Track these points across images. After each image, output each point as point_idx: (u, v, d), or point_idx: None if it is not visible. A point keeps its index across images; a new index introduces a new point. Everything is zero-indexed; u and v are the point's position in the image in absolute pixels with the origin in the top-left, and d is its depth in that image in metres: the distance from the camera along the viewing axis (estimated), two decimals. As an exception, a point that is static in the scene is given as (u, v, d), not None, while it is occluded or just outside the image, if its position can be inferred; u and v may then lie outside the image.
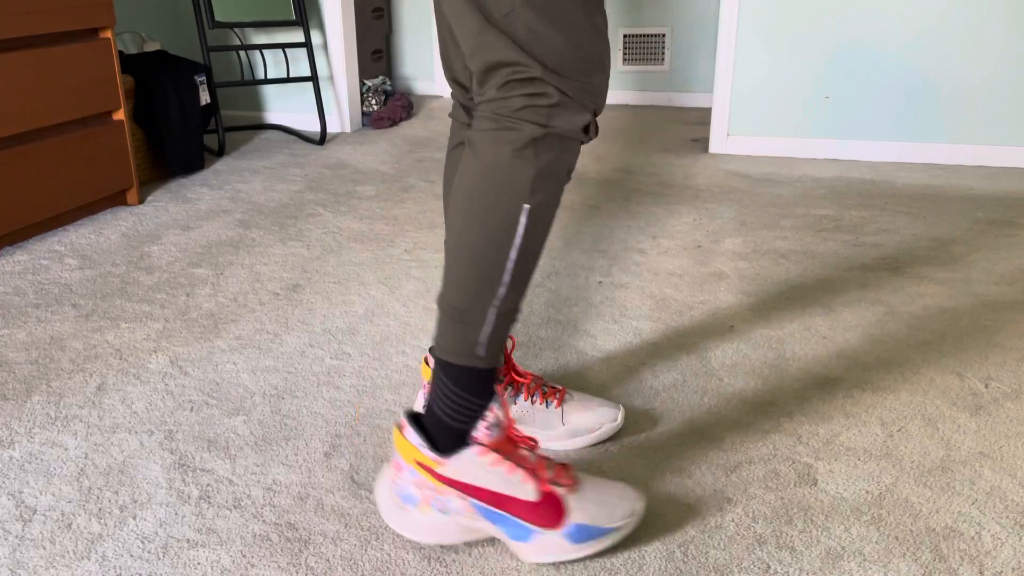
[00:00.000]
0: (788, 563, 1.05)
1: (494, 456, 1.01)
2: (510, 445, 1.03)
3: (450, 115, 1.26)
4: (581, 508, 1.04)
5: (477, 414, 1.01)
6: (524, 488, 1.02)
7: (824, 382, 1.48)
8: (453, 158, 1.24)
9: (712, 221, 2.36)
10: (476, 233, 0.97)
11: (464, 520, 1.03)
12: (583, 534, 1.03)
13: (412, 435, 1.02)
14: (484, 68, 0.95)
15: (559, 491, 1.03)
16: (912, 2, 2.85)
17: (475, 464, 1.01)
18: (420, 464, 1.02)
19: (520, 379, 1.29)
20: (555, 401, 1.28)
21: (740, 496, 1.17)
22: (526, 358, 1.58)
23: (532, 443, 1.08)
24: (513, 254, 0.97)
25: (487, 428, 1.01)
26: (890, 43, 2.91)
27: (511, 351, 1.31)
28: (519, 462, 1.03)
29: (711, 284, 1.91)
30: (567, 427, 1.28)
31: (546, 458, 1.06)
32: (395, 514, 1.05)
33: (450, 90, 1.29)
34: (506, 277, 0.97)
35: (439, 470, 1.02)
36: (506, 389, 1.28)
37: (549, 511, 1.03)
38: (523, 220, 0.96)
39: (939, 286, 1.89)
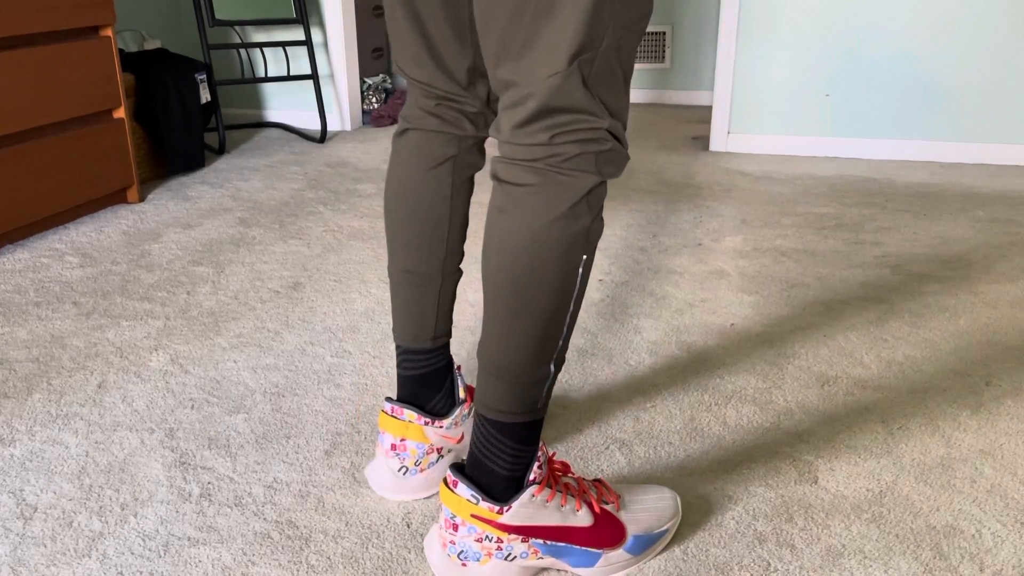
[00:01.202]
0: (788, 561, 1.05)
1: (548, 492, 0.99)
2: (555, 476, 1.02)
3: (412, 126, 1.07)
4: (634, 520, 1.04)
5: (533, 460, 0.99)
6: (580, 516, 1.01)
7: (824, 380, 1.48)
8: (432, 179, 1.07)
9: (713, 219, 2.36)
10: (535, 298, 0.89)
11: (529, 562, 1.01)
12: (642, 544, 1.04)
13: (467, 491, 0.98)
14: (541, 111, 0.83)
15: (609, 509, 1.03)
16: (913, 0, 2.85)
17: (534, 505, 0.98)
18: (478, 518, 0.99)
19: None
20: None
21: (740, 494, 1.17)
22: (527, 356, 1.58)
23: (567, 467, 1.06)
24: (572, 307, 0.91)
25: (538, 467, 0.99)
26: (891, 41, 2.91)
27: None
28: (568, 491, 1.02)
29: (712, 282, 1.91)
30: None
31: (583, 479, 1.05)
32: (457, 574, 1.01)
33: (416, 92, 1.06)
34: (565, 330, 0.93)
35: (501, 520, 0.98)
36: (469, 410, 1.19)
37: (608, 531, 1.02)
38: (581, 271, 0.89)
39: (940, 284, 1.89)
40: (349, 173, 2.90)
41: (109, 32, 2.38)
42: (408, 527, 1.11)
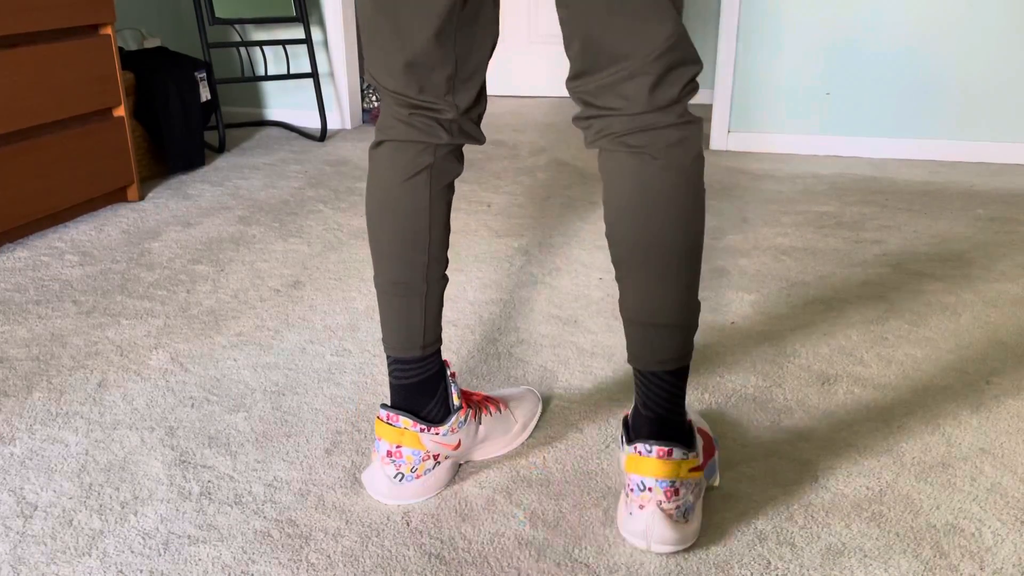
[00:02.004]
0: (788, 559, 1.05)
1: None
2: None
3: (387, 138, 1.07)
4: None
5: None
6: (700, 435, 1.14)
7: (825, 378, 1.48)
8: (410, 190, 1.07)
9: (713, 218, 2.36)
10: (698, 237, 0.98)
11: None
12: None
13: (681, 452, 1.02)
14: (666, 70, 0.93)
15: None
16: (913, -2, 2.85)
17: (697, 439, 1.08)
18: (694, 470, 1.04)
19: (477, 400, 1.24)
20: (502, 405, 1.28)
21: (740, 492, 1.17)
22: (526, 354, 1.58)
23: None
24: (702, 239, 1.01)
25: None
26: (891, 40, 2.91)
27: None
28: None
29: (712, 280, 1.91)
30: (520, 423, 1.29)
31: None
32: (682, 532, 1.03)
33: (390, 102, 1.06)
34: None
35: (699, 461, 1.06)
36: (465, 416, 1.19)
37: (711, 443, 1.18)
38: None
39: (940, 282, 1.89)
40: (349, 171, 2.90)
41: (109, 30, 2.38)
42: (408, 525, 1.11)
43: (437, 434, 1.15)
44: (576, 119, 1.01)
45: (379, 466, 1.15)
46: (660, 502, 1.02)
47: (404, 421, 1.14)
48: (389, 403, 1.20)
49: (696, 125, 0.97)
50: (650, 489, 1.02)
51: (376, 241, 1.11)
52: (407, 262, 1.10)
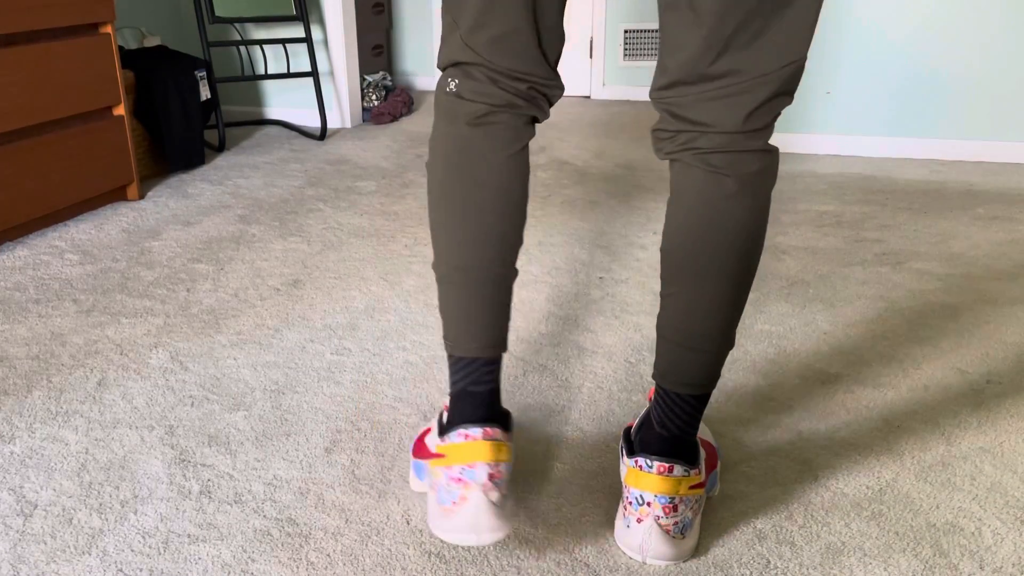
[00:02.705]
0: (788, 558, 1.05)
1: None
2: None
3: (499, 108, 0.97)
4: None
5: None
6: (704, 447, 1.16)
7: (825, 378, 1.48)
8: (516, 164, 0.99)
9: (713, 217, 2.36)
10: (751, 269, 0.98)
11: None
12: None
13: (682, 469, 1.01)
14: (772, 97, 0.91)
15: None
16: (914, -3, 2.85)
17: (700, 453, 1.08)
18: (695, 487, 1.03)
19: None
20: None
21: (740, 491, 1.17)
22: (527, 353, 1.58)
23: None
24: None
25: None
26: (892, 38, 2.91)
27: None
28: None
29: (712, 280, 1.91)
30: None
31: None
32: (678, 548, 1.02)
33: (501, 79, 0.96)
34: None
35: (701, 478, 1.05)
36: None
37: (714, 454, 1.17)
38: None
39: (940, 282, 1.89)
40: (349, 170, 2.90)
41: (109, 29, 2.38)
42: (408, 524, 1.11)
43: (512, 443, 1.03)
44: (658, 130, 0.98)
45: (480, 498, 0.93)
46: (658, 517, 1.00)
47: (503, 434, 0.97)
48: (467, 417, 0.99)
49: (776, 156, 0.96)
50: (649, 504, 1.01)
51: (470, 221, 0.97)
52: (506, 243, 0.98)
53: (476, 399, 0.99)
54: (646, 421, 1.07)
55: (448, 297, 0.99)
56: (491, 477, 0.94)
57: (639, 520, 1.01)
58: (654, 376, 1.05)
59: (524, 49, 0.94)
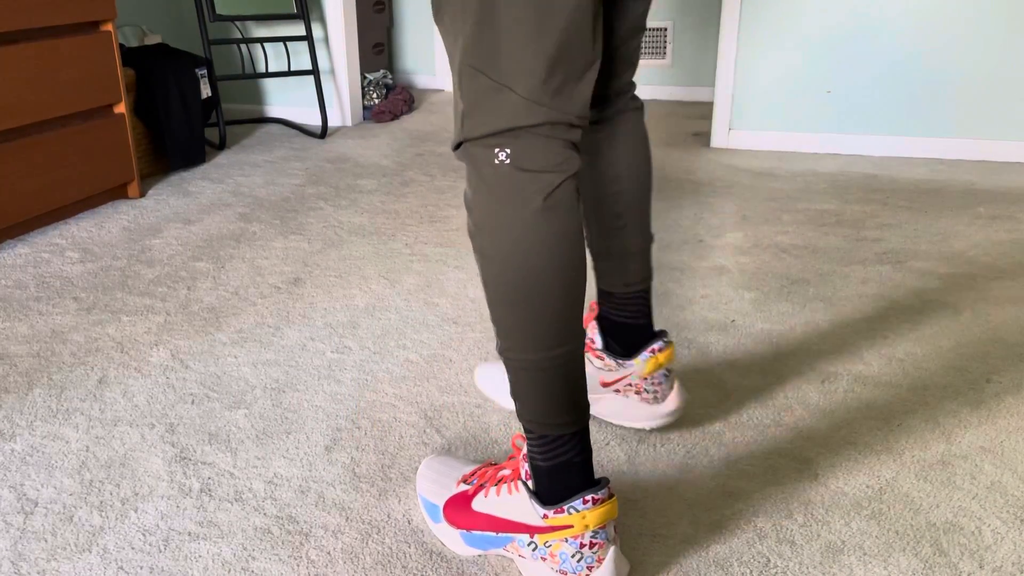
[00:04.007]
0: (788, 557, 1.05)
1: None
2: None
3: (567, 172, 0.88)
4: None
5: None
6: None
7: (825, 376, 1.48)
8: (580, 226, 0.92)
9: (713, 215, 2.36)
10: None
11: None
12: None
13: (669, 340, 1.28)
14: None
15: None
16: (915, -4, 2.85)
17: None
18: None
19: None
20: None
21: (740, 490, 1.17)
22: (527, 352, 1.58)
23: None
24: None
25: None
26: (892, 37, 2.90)
27: None
28: None
29: (712, 279, 1.91)
30: None
31: None
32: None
33: (568, 123, 0.87)
34: None
35: None
36: None
37: None
38: None
39: (941, 281, 1.89)
40: (350, 169, 2.90)
41: (110, 27, 2.38)
42: (409, 523, 1.12)
43: None
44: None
45: (616, 551, 0.97)
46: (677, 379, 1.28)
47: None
48: (586, 483, 0.97)
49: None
50: (670, 371, 1.26)
51: (564, 311, 0.90)
52: (579, 313, 0.93)
53: (585, 465, 0.97)
54: (620, 327, 1.24)
55: (539, 382, 0.93)
56: (615, 529, 0.98)
57: (672, 387, 1.27)
58: (635, 285, 1.21)
59: (595, 80, 0.87)
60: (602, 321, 1.25)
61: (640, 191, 1.17)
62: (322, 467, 1.24)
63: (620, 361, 1.25)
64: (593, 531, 0.95)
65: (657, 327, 1.67)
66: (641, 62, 4.25)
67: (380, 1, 4.12)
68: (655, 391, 1.27)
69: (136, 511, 1.14)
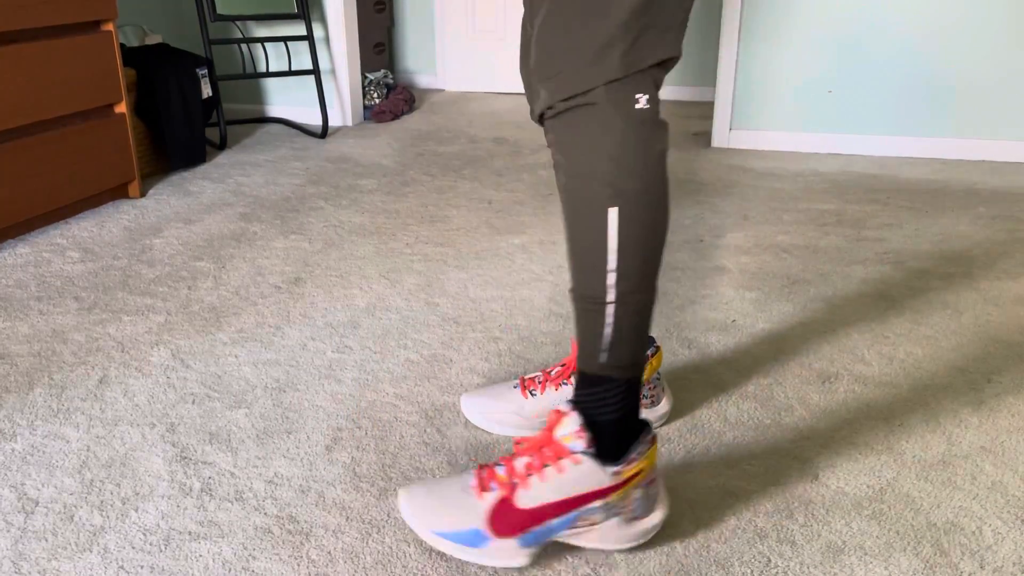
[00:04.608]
0: (789, 557, 1.05)
1: None
2: None
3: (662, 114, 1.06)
4: None
5: None
6: None
7: (825, 376, 1.48)
8: None
9: (714, 215, 2.36)
10: None
11: None
12: None
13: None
14: None
15: None
16: (916, -4, 2.85)
17: None
18: None
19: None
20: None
21: (741, 490, 1.17)
22: (528, 351, 1.58)
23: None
24: None
25: None
26: (894, 37, 2.90)
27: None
28: None
29: (713, 278, 1.91)
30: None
31: None
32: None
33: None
34: None
35: None
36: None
37: None
38: None
39: (941, 281, 1.88)
40: (350, 168, 2.90)
41: (110, 26, 2.38)
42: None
43: None
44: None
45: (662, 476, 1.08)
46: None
47: None
48: (643, 427, 1.05)
49: None
50: (660, 374, 1.33)
51: (665, 241, 1.00)
52: None
53: (638, 408, 1.03)
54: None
55: (645, 320, 0.99)
56: None
57: (664, 389, 1.32)
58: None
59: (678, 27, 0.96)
60: None
61: None
62: (322, 467, 1.24)
63: None
64: (652, 468, 1.01)
65: (657, 327, 1.68)
66: (642, 62, 4.24)
67: (381, 1, 4.12)
68: (652, 395, 1.31)
69: (137, 511, 1.14)
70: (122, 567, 1.04)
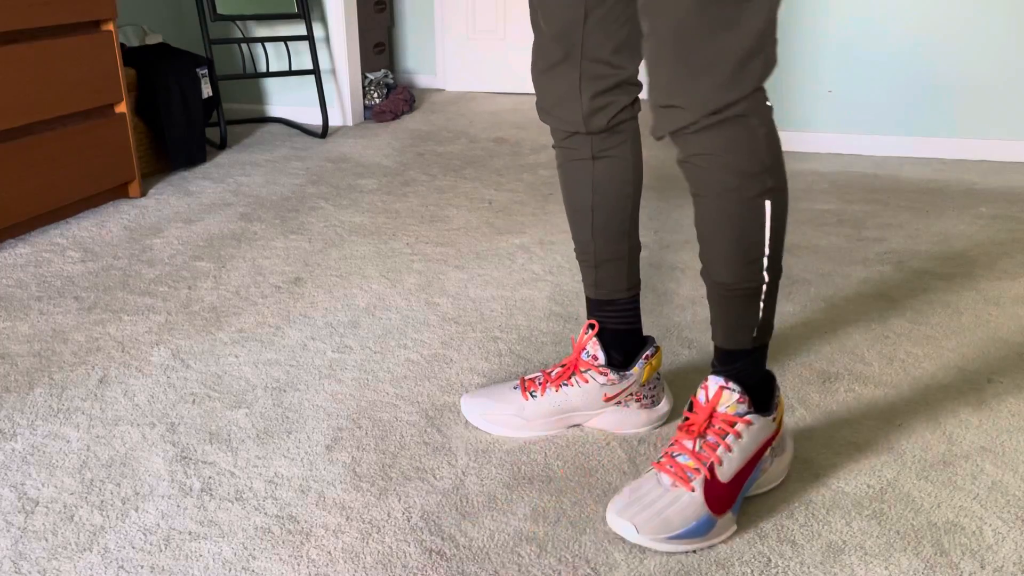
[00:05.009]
0: (789, 557, 1.05)
1: None
2: None
3: None
4: None
5: None
6: None
7: (826, 376, 1.48)
8: None
9: (714, 215, 2.35)
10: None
11: None
12: None
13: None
14: None
15: None
16: (916, -4, 2.84)
17: None
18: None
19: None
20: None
21: (741, 490, 1.17)
22: (528, 351, 1.58)
23: None
24: None
25: None
26: (893, 37, 2.90)
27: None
28: None
29: (713, 278, 1.91)
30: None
31: None
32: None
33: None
34: None
35: None
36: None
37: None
38: None
39: (941, 281, 1.88)
40: (350, 168, 2.90)
41: (111, 26, 2.38)
42: (408, 522, 1.12)
43: None
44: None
45: None
46: None
47: None
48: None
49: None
50: (660, 374, 1.36)
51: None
52: None
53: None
54: (619, 336, 1.30)
55: (777, 293, 1.14)
56: None
57: (663, 388, 1.35)
58: (619, 294, 1.29)
59: None
60: (602, 336, 1.29)
61: (639, 192, 1.26)
62: (323, 466, 1.24)
63: (623, 373, 1.28)
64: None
65: (658, 327, 1.68)
66: (641, 62, 4.25)
67: (381, 1, 4.12)
68: (652, 395, 1.31)
69: (137, 510, 1.14)
70: (122, 567, 1.04)
